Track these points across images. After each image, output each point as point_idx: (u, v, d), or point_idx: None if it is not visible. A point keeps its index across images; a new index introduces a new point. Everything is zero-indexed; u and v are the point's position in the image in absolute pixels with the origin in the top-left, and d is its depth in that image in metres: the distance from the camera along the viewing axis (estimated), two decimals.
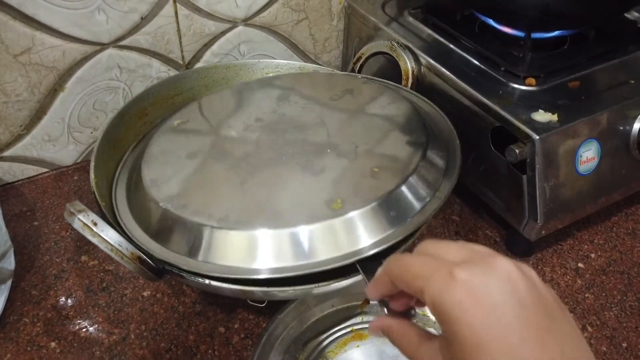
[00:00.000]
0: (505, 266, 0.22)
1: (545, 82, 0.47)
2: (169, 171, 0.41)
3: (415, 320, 0.27)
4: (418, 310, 0.28)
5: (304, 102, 0.48)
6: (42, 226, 0.51)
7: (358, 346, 0.42)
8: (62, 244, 0.49)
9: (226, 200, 0.38)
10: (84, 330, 0.43)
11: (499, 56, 0.49)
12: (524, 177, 0.44)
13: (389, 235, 0.36)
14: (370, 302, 0.45)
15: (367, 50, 0.55)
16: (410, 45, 0.52)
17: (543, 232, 0.46)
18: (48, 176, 0.56)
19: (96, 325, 0.43)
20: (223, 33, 0.58)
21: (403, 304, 0.27)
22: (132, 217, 0.40)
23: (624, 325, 0.43)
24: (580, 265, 0.48)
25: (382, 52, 0.54)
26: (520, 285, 0.22)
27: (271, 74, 0.56)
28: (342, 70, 0.56)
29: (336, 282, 0.36)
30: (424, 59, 0.51)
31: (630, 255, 0.49)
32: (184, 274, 0.35)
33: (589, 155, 0.44)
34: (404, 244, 0.37)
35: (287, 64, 0.56)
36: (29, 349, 0.41)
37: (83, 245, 0.49)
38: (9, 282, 0.44)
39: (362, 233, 0.35)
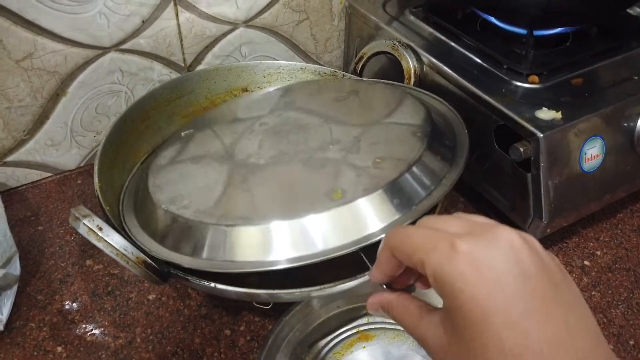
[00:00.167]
0: (507, 236, 0.22)
1: (548, 79, 0.47)
2: (172, 176, 0.41)
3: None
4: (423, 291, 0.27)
5: (309, 106, 0.48)
6: (46, 231, 0.51)
7: (364, 347, 0.42)
8: (67, 249, 0.49)
9: (225, 198, 0.38)
10: (90, 334, 0.43)
11: (501, 54, 0.49)
12: (529, 175, 0.44)
13: (394, 221, 0.35)
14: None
15: (368, 50, 0.55)
16: (412, 44, 0.52)
17: (548, 230, 0.45)
18: (51, 181, 0.56)
19: (102, 329, 0.43)
20: (224, 35, 0.57)
21: (404, 282, 0.27)
22: (137, 223, 0.40)
23: (631, 322, 0.43)
24: (586, 263, 0.48)
25: (384, 52, 0.54)
26: (523, 255, 0.21)
27: (273, 76, 0.56)
28: (343, 70, 0.56)
29: (341, 283, 0.36)
30: (426, 57, 0.51)
31: (637, 252, 0.49)
32: (189, 277, 0.35)
33: (593, 153, 0.44)
34: None
35: (288, 64, 0.56)
36: (35, 354, 0.41)
37: (88, 249, 0.49)
38: (15, 287, 0.44)
39: (364, 221, 0.35)
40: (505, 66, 0.49)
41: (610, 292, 0.46)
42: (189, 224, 0.36)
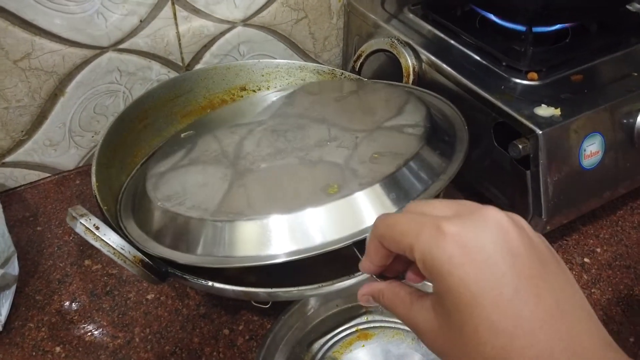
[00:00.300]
0: (494, 216, 0.21)
1: (548, 76, 0.47)
2: (170, 175, 0.41)
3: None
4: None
5: (307, 106, 0.48)
6: (45, 231, 0.51)
7: (363, 346, 0.42)
8: (66, 249, 0.49)
9: (221, 195, 0.38)
10: (89, 334, 0.43)
11: (500, 51, 0.49)
12: (528, 172, 0.43)
13: None
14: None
15: (367, 48, 0.55)
16: (411, 42, 0.52)
17: (548, 227, 0.45)
18: (50, 181, 0.56)
19: (101, 329, 0.43)
20: (222, 34, 0.57)
21: (394, 271, 0.26)
22: (134, 222, 0.40)
23: (631, 319, 0.43)
24: (586, 260, 0.48)
25: (383, 50, 0.54)
26: (511, 235, 0.21)
27: (272, 75, 0.56)
28: (342, 69, 0.56)
29: (340, 281, 0.36)
30: (425, 55, 0.51)
31: (637, 249, 0.49)
32: (187, 276, 0.35)
33: (592, 149, 0.44)
34: None
35: (287, 63, 0.56)
36: (34, 354, 0.41)
37: (86, 249, 0.49)
38: (14, 288, 0.44)
39: (362, 215, 0.35)
40: (504, 63, 0.49)
41: (610, 289, 0.45)
42: (184, 220, 0.36)
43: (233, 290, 0.35)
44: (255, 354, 0.41)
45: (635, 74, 0.47)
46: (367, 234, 0.32)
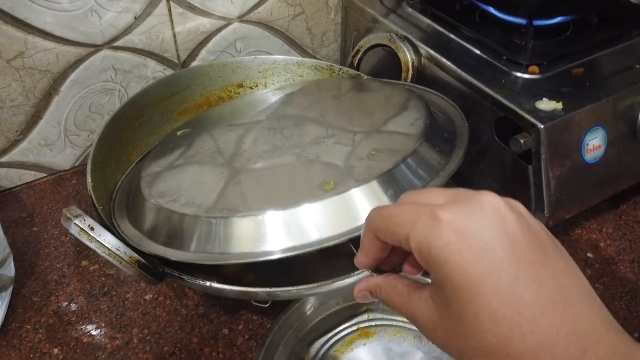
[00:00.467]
0: (491, 201, 0.21)
1: (549, 69, 0.46)
2: (164, 173, 0.41)
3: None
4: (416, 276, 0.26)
5: (305, 104, 0.47)
6: (41, 232, 0.50)
7: (364, 344, 0.41)
8: (62, 249, 0.49)
9: (216, 191, 0.37)
10: (87, 335, 0.42)
11: (501, 45, 0.48)
12: (530, 167, 0.43)
13: None
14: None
15: (365, 43, 0.54)
16: (410, 37, 0.51)
17: (550, 222, 0.45)
18: (46, 181, 0.56)
19: (99, 330, 0.42)
20: (218, 30, 0.57)
21: (390, 265, 0.26)
22: (128, 221, 0.39)
23: (635, 314, 0.43)
24: (589, 255, 0.47)
25: (381, 45, 0.53)
26: (509, 220, 0.21)
27: (269, 71, 0.55)
28: (340, 64, 0.55)
29: (339, 280, 0.35)
30: (424, 50, 0.50)
31: None
32: (185, 276, 0.35)
33: (595, 143, 0.43)
34: None
35: (284, 59, 0.55)
36: (31, 356, 0.41)
37: (83, 250, 0.48)
38: (10, 289, 0.44)
39: (358, 211, 0.34)
40: (504, 57, 0.48)
41: (614, 284, 0.45)
42: (178, 217, 0.35)
43: (232, 290, 0.35)
44: (255, 353, 0.40)
45: (637, 67, 0.47)
46: (360, 232, 0.31)
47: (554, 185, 0.43)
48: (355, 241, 0.32)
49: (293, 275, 0.38)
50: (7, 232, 0.45)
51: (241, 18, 0.57)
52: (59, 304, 0.44)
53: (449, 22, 0.53)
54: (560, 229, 0.49)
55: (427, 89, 0.48)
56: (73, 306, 0.44)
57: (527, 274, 0.20)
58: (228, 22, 0.57)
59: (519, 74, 0.46)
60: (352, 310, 0.43)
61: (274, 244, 0.33)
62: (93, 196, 0.38)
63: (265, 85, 0.56)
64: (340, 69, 0.54)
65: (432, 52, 0.50)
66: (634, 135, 0.45)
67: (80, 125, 0.55)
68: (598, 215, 0.51)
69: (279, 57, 0.55)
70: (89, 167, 0.41)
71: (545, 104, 0.42)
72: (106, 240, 0.33)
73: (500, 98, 0.44)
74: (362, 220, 0.33)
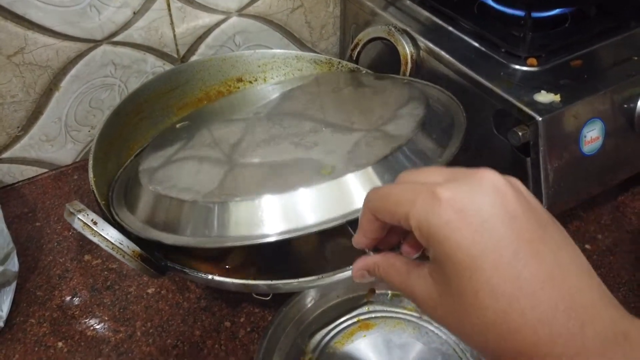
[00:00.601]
0: (491, 179, 0.21)
1: (547, 62, 0.46)
2: (162, 162, 0.41)
3: None
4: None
5: (304, 97, 0.48)
6: (44, 227, 0.51)
7: (365, 336, 0.42)
8: (65, 244, 0.49)
9: (213, 178, 0.37)
10: (91, 329, 0.43)
11: (499, 37, 0.48)
12: (528, 159, 0.43)
13: None
14: (376, 291, 0.44)
15: (364, 36, 0.54)
16: (408, 30, 0.51)
17: None
18: (48, 176, 0.56)
19: (102, 324, 0.43)
20: (217, 24, 0.57)
21: (388, 245, 0.26)
22: (127, 210, 0.39)
23: (632, 305, 0.43)
24: (587, 246, 0.48)
25: (380, 38, 0.53)
26: (508, 197, 0.21)
27: (268, 65, 0.55)
28: (340, 58, 0.55)
29: (340, 272, 0.36)
30: (423, 42, 0.50)
31: (638, 235, 0.49)
32: (187, 270, 0.35)
33: (593, 135, 0.43)
34: None
35: (283, 53, 0.55)
36: (36, 349, 0.41)
37: (86, 244, 0.49)
38: (14, 284, 0.44)
39: (354, 196, 0.34)
40: (503, 49, 0.48)
41: (611, 275, 0.45)
42: (175, 203, 0.35)
43: (233, 283, 0.35)
44: (256, 345, 0.41)
45: (636, 58, 0.47)
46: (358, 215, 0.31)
47: (552, 177, 0.43)
48: (352, 223, 0.32)
49: (294, 269, 0.38)
50: (10, 227, 0.45)
51: (240, 12, 0.57)
52: (63, 298, 0.45)
53: (448, 15, 0.53)
54: (559, 221, 0.49)
55: (426, 82, 0.49)
56: (76, 300, 0.45)
57: (526, 250, 0.20)
58: (227, 16, 0.57)
59: (517, 67, 0.46)
60: (352, 303, 0.44)
61: (271, 227, 0.33)
62: (95, 191, 0.39)
63: (265, 80, 0.56)
64: (339, 62, 0.54)
65: (430, 45, 0.50)
66: (632, 127, 0.45)
67: (81, 120, 0.55)
68: (596, 207, 0.51)
69: (278, 51, 0.55)
70: (90, 162, 0.41)
71: (544, 97, 0.43)
72: (109, 234, 0.33)
73: (498, 91, 0.44)
74: (358, 205, 0.33)
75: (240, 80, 0.56)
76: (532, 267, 0.19)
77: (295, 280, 0.35)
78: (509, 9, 0.50)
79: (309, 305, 0.42)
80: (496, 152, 0.46)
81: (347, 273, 0.36)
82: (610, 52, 0.48)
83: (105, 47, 0.52)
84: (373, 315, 0.43)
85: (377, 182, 0.35)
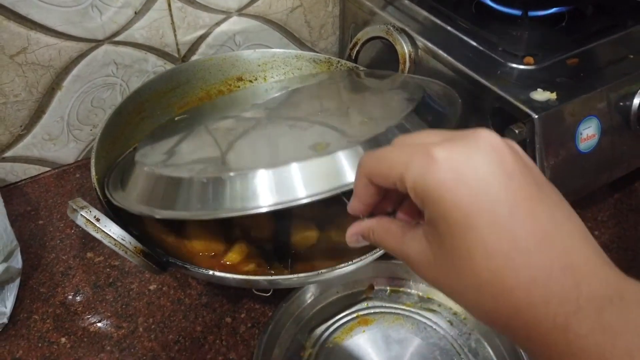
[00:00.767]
0: (487, 138, 0.21)
1: (544, 60, 0.47)
2: (159, 147, 0.42)
3: None
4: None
5: (304, 90, 0.48)
6: (46, 225, 0.51)
7: (364, 331, 0.42)
8: (68, 242, 0.50)
9: (208, 156, 0.38)
10: (93, 325, 0.43)
11: (497, 36, 0.49)
12: None
13: None
14: (375, 288, 0.45)
15: (363, 35, 0.55)
16: (407, 29, 0.52)
17: None
18: (50, 175, 0.56)
19: (105, 320, 0.43)
20: (217, 24, 0.57)
21: (383, 210, 0.25)
22: (122, 191, 0.39)
23: None
24: None
25: (379, 37, 0.53)
26: (505, 156, 0.20)
27: (268, 64, 0.56)
28: (339, 57, 0.56)
29: (339, 268, 0.36)
30: (421, 42, 0.51)
31: (635, 232, 0.49)
32: (188, 265, 0.36)
33: (589, 133, 0.44)
34: None
35: (283, 52, 0.56)
36: (40, 345, 0.42)
37: (88, 242, 0.49)
38: (18, 281, 0.45)
39: (347, 172, 0.34)
40: (500, 48, 0.48)
41: None
42: (170, 180, 0.35)
43: (234, 278, 0.35)
44: (257, 341, 0.41)
45: (632, 57, 0.47)
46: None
47: (548, 174, 0.43)
48: (347, 194, 0.31)
49: (294, 265, 0.39)
50: (13, 225, 0.46)
51: (240, 12, 0.58)
52: (66, 295, 0.45)
53: (446, 14, 0.53)
54: None
55: (423, 77, 0.49)
56: (79, 297, 0.45)
57: (522, 209, 0.19)
58: (227, 16, 0.57)
59: (514, 65, 0.47)
60: (351, 299, 0.44)
61: (265, 201, 0.33)
62: (98, 189, 0.39)
63: (265, 79, 0.56)
64: (339, 61, 0.54)
65: (428, 44, 0.50)
66: (627, 124, 0.46)
67: (83, 119, 0.55)
68: (592, 203, 0.51)
69: (278, 50, 0.56)
70: (93, 161, 0.41)
71: (540, 95, 0.43)
72: (112, 230, 0.34)
73: (495, 89, 0.44)
74: (352, 180, 0.32)
75: (240, 79, 0.56)
76: (528, 226, 0.19)
77: (295, 275, 0.35)
78: (507, 8, 0.51)
79: (309, 301, 0.43)
80: None
81: (346, 269, 0.36)
82: (607, 51, 0.49)
83: (106, 47, 0.52)
84: (372, 311, 0.44)
85: None
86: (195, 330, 0.43)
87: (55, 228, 0.51)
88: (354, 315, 0.43)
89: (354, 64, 0.54)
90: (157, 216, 0.35)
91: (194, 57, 0.58)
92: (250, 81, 0.56)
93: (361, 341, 0.42)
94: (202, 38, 0.57)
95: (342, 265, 0.36)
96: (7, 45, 0.48)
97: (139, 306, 0.44)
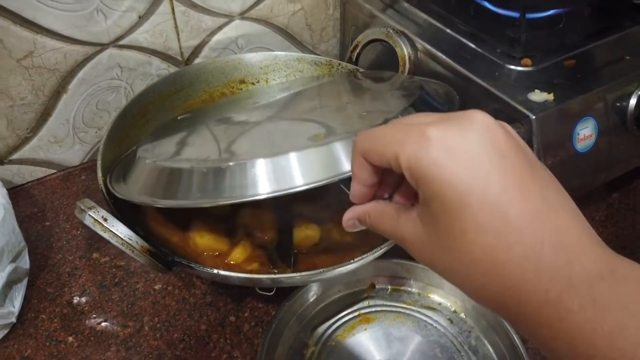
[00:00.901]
0: (481, 119, 0.21)
1: (541, 62, 0.48)
2: (162, 144, 0.42)
3: None
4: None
5: (303, 90, 0.49)
6: (53, 226, 0.52)
7: (365, 329, 0.43)
8: (74, 243, 0.50)
9: (208, 149, 0.39)
10: (100, 324, 0.44)
11: (495, 38, 0.50)
12: None
13: None
14: (376, 286, 0.46)
15: (363, 38, 0.55)
16: (406, 31, 0.53)
17: None
18: (56, 177, 0.57)
19: (111, 319, 0.44)
20: (220, 28, 0.58)
21: (381, 196, 0.26)
22: (124, 185, 0.40)
23: None
24: None
25: (379, 40, 0.54)
26: (498, 136, 0.21)
27: (270, 67, 0.57)
28: (339, 59, 0.56)
29: (341, 267, 0.37)
30: (420, 44, 0.52)
31: (632, 231, 0.50)
32: (193, 264, 0.36)
33: (586, 133, 0.44)
34: None
35: (285, 55, 0.56)
36: (47, 344, 0.43)
37: (94, 242, 0.50)
38: (25, 281, 0.46)
39: (344, 162, 0.34)
40: (498, 50, 0.49)
41: None
42: (170, 172, 0.36)
43: (238, 277, 0.36)
44: (260, 339, 0.42)
45: (628, 58, 0.48)
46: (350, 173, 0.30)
47: None
48: (344, 182, 0.32)
49: (296, 264, 0.40)
50: (20, 226, 0.47)
51: (242, 15, 0.59)
52: (72, 295, 0.46)
53: (445, 17, 0.54)
54: None
55: (422, 77, 0.50)
56: (86, 296, 0.46)
57: (515, 187, 0.20)
58: (229, 19, 0.58)
59: (512, 67, 0.47)
60: (353, 297, 0.45)
61: (264, 189, 0.33)
62: (104, 190, 0.40)
63: (267, 81, 0.57)
64: (339, 63, 0.55)
65: (428, 46, 0.51)
66: (624, 124, 0.46)
67: (88, 122, 0.56)
68: (590, 203, 0.52)
69: (279, 53, 0.57)
70: (99, 163, 0.42)
71: (537, 96, 0.44)
72: (119, 230, 0.34)
73: (493, 90, 0.45)
74: (349, 168, 0.33)
75: (242, 81, 0.57)
76: (520, 203, 0.19)
77: (298, 274, 0.36)
78: (504, 11, 0.52)
79: (311, 300, 0.44)
80: None
81: (347, 267, 0.37)
82: (603, 52, 0.49)
83: (111, 51, 0.53)
84: (373, 309, 0.44)
85: None
86: (200, 329, 0.43)
87: (61, 229, 0.52)
88: (356, 313, 0.44)
89: (355, 66, 0.55)
90: (158, 205, 0.35)
91: (197, 60, 0.59)
92: (253, 83, 0.57)
93: (363, 339, 0.42)
94: (205, 41, 0.58)
95: (344, 263, 0.37)
96: (14, 49, 0.49)
97: (144, 305, 0.45)
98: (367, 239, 0.39)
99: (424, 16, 0.55)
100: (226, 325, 0.44)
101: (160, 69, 0.57)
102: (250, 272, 0.38)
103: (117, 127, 0.47)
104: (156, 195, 0.36)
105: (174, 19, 0.55)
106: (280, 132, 0.40)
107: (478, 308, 0.43)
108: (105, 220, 0.34)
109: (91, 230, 0.35)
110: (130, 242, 0.34)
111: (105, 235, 0.34)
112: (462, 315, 0.44)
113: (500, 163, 0.20)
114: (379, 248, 0.38)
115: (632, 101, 0.45)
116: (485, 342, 0.42)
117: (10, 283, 0.43)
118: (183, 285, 0.47)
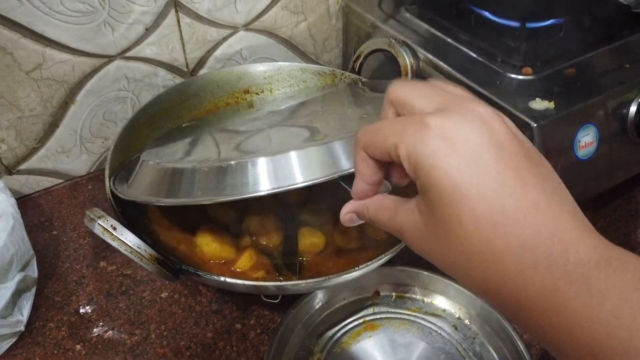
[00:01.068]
0: (480, 109, 0.21)
1: (542, 70, 0.48)
2: (165, 149, 0.43)
3: None
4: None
5: (307, 101, 0.50)
6: (60, 235, 0.53)
7: (370, 336, 0.43)
8: (81, 251, 0.51)
9: (210, 151, 0.40)
10: (107, 332, 0.44)
11: (495, 47, 0.50)
12: None
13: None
14: (381, 294, 0.46)
15: (365, 48, 0.56)
16: (408, 41, 0.53)
17: None
18: (63, 187, 0.58)
19: (118, 327, 0.45)
20: (225, 39, 0.59)
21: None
22: (127, 186, 0.40)
23: None
24: None
25: (381, 50, 0.55)
26: (497, 128, 0.21)
27: (274, 77, 0.58)
28: (342, 69, 0.57)
29: (346, 274, 0.37)
30: (422, 54, 0.52)
31: (634, 237, 0.50)
32: (200, 272, 0.37)
33: (587, 140, 0.45)
34: None
35: (288, 65, 0.57)
36: (55, 352, 0.43)
37: (101, 251, 0.51)
38: (34, 290, 0.46)
39: (345, 160, 0.34)
40: (499, 59, 0.50)
41: None
42: (173, 172, 0.36)
43: (244, 284, 0.37)
44: (266, 346, 0.42)
45: (627, 66, 0.49)
46: (352, 169, 0.31)
47: None
48: (344, 179, 0.33)
49: (301, 273, 0.40)
50: (28, 235, 0.47)
51: (246, 27, 0.60)
52: (80, 303, 0.47)
53: (446, 27, 0.55)
54: None
55: None
56: (93, 305, 0.46)
57: (513, 178, 0.20)
58: (234, 30, 0.59)
59: (513, 75, 0.48)
60: (358, 304, 0.45)
61: (265, 187, 0.33)
62: (112, 200, 0.41)
63: (271, 91, 0.58)
64: (342, 73, 0.56)
65: (430, 56, 0.52)
66: (625, 132, 0.47)
67: (95, 132, 0.57)
68: (592, 210, 0.52)
69: (283, 63, 0.57)
70: (107, 173, 0.43)
71: (538, 104, 0.44)
72: (128, 238, 0.35)
73: (494, 98, 0.46)
74: (348, 167, 0.33)
75: (247, 92, 0.58)
76: (517, 195, 0.20)
77: (303, 281, 0.37)
78: (505, 20, 0.52)
79: (317, 307, 0.44)
80: None
81: (352, 274, 0.38)
82: (603, 60, 0.50)
83: (118, 62, 0.54)
84: (378, 316, 0.45)
85: None
86: (206, 336, 0.44)
87: (68, 238, 0.52)
88: (361, 320, 0.44)
89: (358, 76, 0.56)
90: (161, 204, 0.36)
91: (202, 71, 0.60)
92: (257, 93, 0.58)
93: (368, 346, 0.43)
94: (210, 52, 0.59)
95: (349, 270, 0.37)
96: (23, 61, 0.50)
97: (151, 313, 0.46)
98: (372, 246, 0.40)
99: (426, 26, 0.56)
100: (232, 332, 0.44)
101: (166, 79, 0.58)
102: (256, 279, 0.38)
103: (124, 137, 0.48)
104: (159, 196, 0.37)
105: (180, 30, 0.56)
106: (281, 135, 0.41)
107: (482, 314, 0.43)
108: (115, 229, 0.35)
109: (98, 239, 0.36)
110: (139, 250, 0.35)
111: (114, 244, 0.35)
112: (467, 321, 0.44)
113: (498, 155, 0.20)
114: (383, 255, 0.38)
115: (633, 108, 0.46)
116: (490, 348, 0.42)
117: (19, 292, 0.44)
118: (189, 293, 0.47)
